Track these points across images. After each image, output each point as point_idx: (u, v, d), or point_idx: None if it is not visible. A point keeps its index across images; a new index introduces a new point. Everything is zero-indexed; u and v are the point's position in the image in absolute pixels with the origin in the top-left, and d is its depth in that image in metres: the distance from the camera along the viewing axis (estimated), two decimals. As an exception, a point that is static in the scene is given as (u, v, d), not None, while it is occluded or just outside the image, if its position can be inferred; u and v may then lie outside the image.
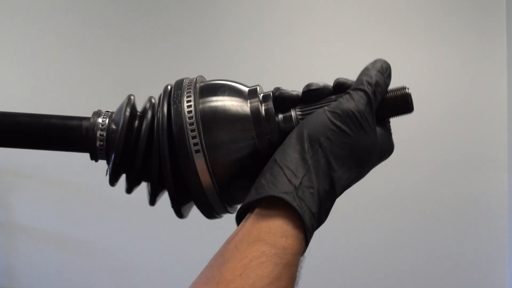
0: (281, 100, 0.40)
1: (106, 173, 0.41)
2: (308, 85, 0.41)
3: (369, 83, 0.39)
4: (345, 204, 2.17)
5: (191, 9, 2.06)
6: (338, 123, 0.36)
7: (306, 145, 0.35)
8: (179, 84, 0.40)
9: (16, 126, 0.41)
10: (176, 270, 1.99)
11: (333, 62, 2.01)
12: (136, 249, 2.03)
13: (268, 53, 2.02)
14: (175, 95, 0.39)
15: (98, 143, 0.40)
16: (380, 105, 0.40)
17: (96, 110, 0.43)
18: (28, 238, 2.08)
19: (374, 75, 0.40)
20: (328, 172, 0.35)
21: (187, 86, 0.39)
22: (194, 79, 0.40)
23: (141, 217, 1.95)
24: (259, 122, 0.38)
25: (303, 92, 0.41)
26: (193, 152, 0.37)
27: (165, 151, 0.37)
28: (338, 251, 1.92)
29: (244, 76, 2.01)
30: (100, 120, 0.41)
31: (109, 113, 0.42)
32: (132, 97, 0.43)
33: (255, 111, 0.38)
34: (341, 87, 0.40)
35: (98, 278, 2.05)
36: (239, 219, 0.36)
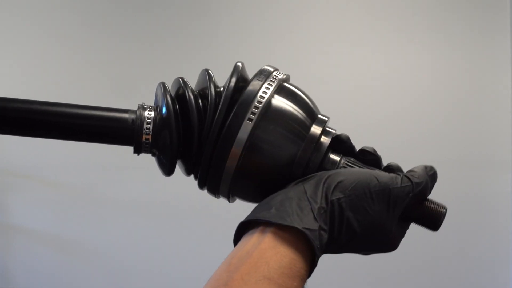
0: (338, 141, 0.43)
1: (161, 164, 0.43)
2: (368, 147, 0.44)
3: (420, 182, 0.40)
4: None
5: (190, 7, 2.06)
6: (374, 190, 0.37)
7: (339, 192, 0.36)
8: (265, 71, 0.41)
9: (59, 117, 0.41)
10: (174, 272, 1.99)
11: (334, 61, 2.01)
12: (134, 250, 2.03)
13: (268, 52, 2.02)
14: (256, 78, 0.40)
15: (144, 137, 0.41)
16: (413, 207, 0.41)
17: (140, 103, 0.43)
18: (25, 239, 2.08)
19: (427, 179, 0.41)
20: (346, 227, 0.36)
21: (272, 77, 0.41)
22: (283, 75, 0.42)
23: (139, 219, 1.95)
24: (309, 146, 0.40)
25: (360, 149, 0.44)
26: (237, 134, 0.38)
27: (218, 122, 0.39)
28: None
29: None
30: (146, 113, 0.41)
31: (154, 107, 0.43)
32: (181, 80, 0.44)
33: (312, 136, 0.40)
34: (390, 168, 0.43)
35: (96, 280, 2.05)
36: (243, 228, 0.37)
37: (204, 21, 2.04)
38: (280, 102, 0.40)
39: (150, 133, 0.41)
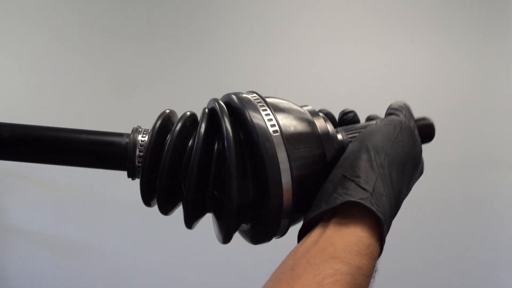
0: (328, 116, 0.46)
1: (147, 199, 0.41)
2: (344, 110, 0.48)
3: (402, 108, 0.44)
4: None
5: (190, 7, 2.06)
6: (397, 134, 0.40)
7: (373, 155, 0.38)
8: (241, 99, 0.39)
9: (51, 141, 0.40)
10: (173, 273, 2.00)
11: (335, 60, 2.02)
12: (132, 251, 2.03)
13: (268, 52, 2.02)
14: (242, 107, 0.38)
15: (137, 161, 0.40)
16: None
17: (135, 126, 0.41)
18: (23, 240, 2.08)
19: (402, 104, 0.45)
20: (395, 181, 0.38)
21: (257, 101, 0.39)
22: (257, 95, 0.41)
23: (138, 219, 1.95)
24: (328, 142, 0.41)
25: (342, 115, 0.47)
26: (280, 167, 0.36)
27: (232, 166, 0.36)
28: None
29: (244, 74, 2.02)
30: (140, 137, 0.40)
31: (148, 131, 0.41)
32: (167, 112, 0.43)
33: (324, 132, 0.41)
34: (370, 118, 0.48)
35: (94, 281, 2.05)
36: (304, 232, 0.37)
37: (204, 21, 2.04)
38: (284, 121, 0.39)
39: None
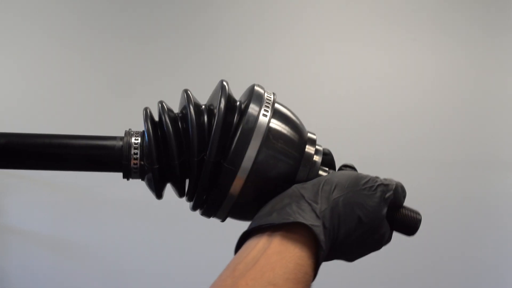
0: (325, 158, 0.47)
1: (153, 189, 0.44)
2: (349, 164, 0.48)
3: (397, 183, 0.44)
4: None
5: (190, 7, 2.06)
6: (367, 186, 0.40)
7: (333, 189, 0.39)
8: (257, 94, 0.43)
9: (45, 148, 0.43)
10: (172, 273, 2.00)
11: (335, 60, 2.01)
12: (131, 251, 2.03)
13: (268, 51, 2.02)
14: (250, 97, 0.42)
15: (132, 163, 0.42)
16: (391, 212, 0.44)
17: (126, 129, 0.44)
18: (21, 240, 2.08)
19: (400, 183, 0.45)
20: (342, 225, 0.38)
21: (266, 100, 0.43)
22: (273, 95, 0.44)
23: (136, 220, 1.95)
24: (306, 167, 0.43)
25: (342, 165, 0.48)
26: (242, 162, 0.40)
27: (215, 134, 0.40)
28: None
29: (244, 73, 2.02)
30: (133, 139, 0.43)
31: (140, 133, 0.44)
32: (162, 104, 0.45)
33: (307, 157, 0.44)
34: None
35: (93, 281, 2.05)
36: (247, 235, 0.38)
37: (204, 21, 2.04)
38: (277, 127, 0.42)
39: (138, 160, 0.42)
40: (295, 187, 0.40)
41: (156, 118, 0.45)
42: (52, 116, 2.02)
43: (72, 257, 2.07)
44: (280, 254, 0.34)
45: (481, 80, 2.01)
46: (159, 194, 0.44)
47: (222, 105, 0.42)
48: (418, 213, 0.46)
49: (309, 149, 0.44)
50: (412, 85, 2.00)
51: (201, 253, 1.92)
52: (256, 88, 0.44)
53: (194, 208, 0.44)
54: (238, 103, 0.44)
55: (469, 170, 1.98)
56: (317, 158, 0.44)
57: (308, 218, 0.36)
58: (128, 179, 0.44)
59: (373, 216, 0.40)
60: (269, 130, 0.41)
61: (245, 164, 0.40)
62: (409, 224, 0.45)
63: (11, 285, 2.07)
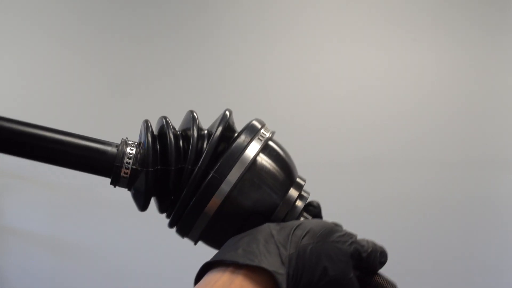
0: (311, 205, 0.47)
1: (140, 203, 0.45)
2: (312, 204, 0.48)
3: (374, 244, 0.42)
4: (350, 205, 2.18)
5: (189, 6, 2.06)
6: (339, 240, 0.40)
7: (305, 235, 0.39)
8: (253, 128, 0.44)
9: (40, 140, 0.43)
10: (171, 274, 1.99)
11: (335, 60, 2.01)
12: (130, 252, 2.03)
13: (268, 50, 2.02)
14: (244, 133, 0.43)
15: (123, 171, 0.43)
16: (364, 278, 0.43)
17: (124, 138, 0.45)
18: (19, 241, 2.08)
19: (375, 248, 0.42)
20: (312, 272, 0.38)
21: (260, 135, 0.44)
22: (270, 133, 0.45)
23: (135, 220, 1.95)
24: (285, 209, 0.43)
25: (307, 203, 0.47)
26: (220, 185, 0.40)
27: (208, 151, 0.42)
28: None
29: (243, 74, 2.02)
30: (128, 149, 0.44)
31: (137, 143, 0.45)
32: (165, 120, 0.46)
33: (289, 199, 0.44)
34: None
35: (92, 282, 2.05)
36: (209, 267, 0.38)
37: (203, 20, 2.04)
38: (264, 161, 0.43)
39: (130, 168, 0.43)
40: (268, 225, 0.40)
41: (156, 132, 0.46)
42: (51, 116, 2.02)
43: (71, 257, 2.07)
44: None
45: (481, 80, 2.01)
46: (145, 204, 0.45)
47: (219, 130, 0.43)
48: (393, 285, 0.44)
49: (293, 192, 0.44)
50: (412, 85, 2.00)
51: (201, 254, 1.92)
52: (254, 122, 0.45)
53: (171, 224, 0.45)
54: (235, 134, 0.45)
55: (470, 170, 1.98)
56: (299, 203, 0.45)
57: (272, 263, 0.36)
58: (115, 185, 0.45)
59: (340, 272, 0.38)
60: (255, 161, 0.42)
61: (224, 186, 0.40)
62: None
63: (10, 286, 2.07)
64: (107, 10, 2.07)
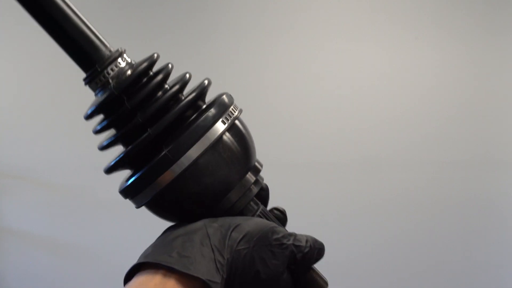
0: (261, 193, 0.46)
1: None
2: (280, 207, 0.47)
3: (306, 249, 0.41)
4: (350, 205, 2.18)
5: (189, 4, 2.06)
6: (275, 244, 0.39)
7: (241, 241, 0.38)
8: (223, 104, 0.43)
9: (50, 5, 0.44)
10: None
11: (336, 58, 2.01)
12: (129, 252, 2.02)
13: (268, 49, 2.02)
14: (214, 108, 0.42)
15: (99, 78, 0.43)
16: (298, 274, 0.43)
17: (121, 49, 0.46)
18: (18, 241, 2.08)
19: (314, 246, 0.42)
20: (245, 276, 0.38)
21: (229, 112, 0.42)
22: (237, 111, 0.44)
23: (134, 220, 1.95)
24: (239, 192, 0.42)
25: (273, 208, 0.47)
26: (180, 157, 0.39)
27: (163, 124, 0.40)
28: (342, 255, 1.92)
29: (243, 73, 2.02)
30: (118, 61, 0.44)
31: (130, 62, 0.45)
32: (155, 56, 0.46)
33: (245, 183, 0.43)
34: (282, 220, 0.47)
35: (90, 283, 2.05)
36: (139, 267, 0.37)
37: (203, 18, 2.04)
38: (228, 141, 0.42)
39: (103, 80, 0.43)
40: (205, 224, 0.39)
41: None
42: (50, 116, 2.02)
43: (69, 258, 2.07)
44: None
45: (484, 79, 2.01)
46: (90, 116, 0.45)
47: (193, 96, 0.41)
48: (325, 282, 0.44)
49: (251, 176, 0.43)
50: (414, 84, 2.00)
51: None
52: (224, 97, 0.44)
53: (108, 171, 0.45)
54: (203, 105, 0.44)
55: (471, 170, 1.98)
56: (254, 188, 0.44)
57: (207, 270, 0.35)
58: (86, 84, 0.45)
59: (273, 276, 0.39)
60: (220, 138, 0.41)
61: (184, 160, 0.39)
62: (313, 285, 0.44)
63: (8, 287, 2.07)
64: (106, 10, 2.07)
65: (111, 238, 2.04)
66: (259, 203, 0.45)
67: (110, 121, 0.43)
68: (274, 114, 1.97)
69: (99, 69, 0.43)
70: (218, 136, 0.40)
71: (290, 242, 0.40)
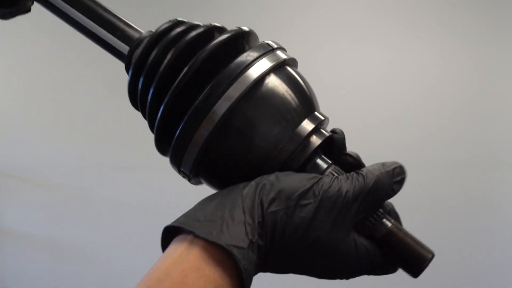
0: (331, 144, 0.38)
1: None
2: (350, 154, 0.39)
3: (369, 181, 0.34)
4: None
5: (187, 3, 2.06)
6: (316, 199, 0.33)
7: (274, 201, 0.33)
8: (267, 46, 0.37)
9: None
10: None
11: (336, 58, 2.01)
12: (128, 253, 2.03)
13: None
14: (254, 48, 0.36)
15: (130, 60, 0.41)
16: (392, 242, 0.37)
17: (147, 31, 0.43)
18: (16, 242, 2.08)
19: (379, 176, 0.35)
20: (279, 240, 0.33)
21: (274, 54, 0.36)
22: (288, 56, 0.38)
23: (133, 220, 1.95)
24: (294, 142, 0.35)
25: (344, 153, 0.39)
26: (213, 107, 0.34)
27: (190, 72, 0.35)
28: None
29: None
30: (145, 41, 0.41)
31: (148, 35, 0.41)
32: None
33: (301, 131, 0.36)
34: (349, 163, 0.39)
35: (90, 284, 2.05)
36: (170, 233, 0.35)
37: (203, 16, 2.04)
38: (274, 82, 0.35)
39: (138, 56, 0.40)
40: (244, 184, 0.34)
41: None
42: (50, 116, 2.02)
43: (68, 259, 2.07)
44: (198, 271, 0.30)
45: (485, 79, 2.01)
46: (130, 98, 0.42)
47: (224, 37, 0.36)
48: (429, 251, 0.36)
49: (308, 124, 0.36)
50: (415, 84, 2.00)
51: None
52: (268, 41, 0.38)
53: (157, 143, 0.39)
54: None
55: (473, 170, 1.98)
56: (315, 139, 0.36)
57: (233, 235, 0.31)
58: (123, 62, 0.43)
59: (324, 240, 0.33)
60: (260, 81, 0.34)
61: (220, 107, 0.33)
62: (413, 261, 0.36)
63: (6, 287, 2.07)
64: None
65: (110, 239, 2.04)
66: (329, 161, 0.37)
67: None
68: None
69: (130, 52, 0.41)
70: (258, 77, 0.34)
71: (340, 185, 0.34)
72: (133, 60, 0.40)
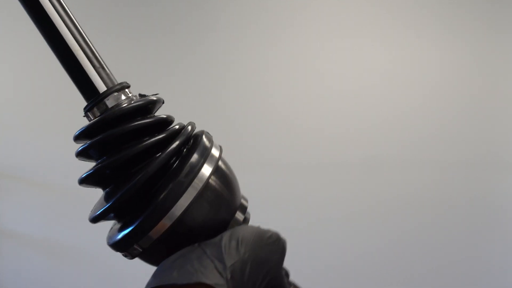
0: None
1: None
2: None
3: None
4: (351, 205, 2.18)
5: (187, 2, 2.06)
6: (270, 241, 0.39)
7: (239, 243, 0.38)
8: (204, 146, 0.42)
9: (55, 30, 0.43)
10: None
11: (337, 57, 2.02)
12: (128, 255, 2.03)
13: (267, 48, 2.02)
14: (197, 152, 0.41)
15: (102, 104, 0.43)
16: None
17: (126, 83, 0.45)
18: (14, 243, 2.08)
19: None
20: (254, 277, 0.38)
21: (211, 155, 0.42)
22: (219, 151, 0.43)
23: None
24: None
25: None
26: (172, 208, 0.38)
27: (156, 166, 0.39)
28: (344, 256, 1.92)
29: (243, 72, 2.02)
30: (123, 96, 0.44)
31: (131, 96, 0.45)
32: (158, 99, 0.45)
33: (236, 222, 0.42)
34: None
35: (88, 285, 2.05)
36: None
37: (202, 16, 2.04)
38: (215, 185, 0.41)
39: (105, 106, 0.43)
40: (198, 244, 0.39)
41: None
42: (48, 116, 2.02)
43: (67, 259, 2.07)
44: None
45: (486, 79, 2.01)
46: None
47: (177, 144, 0.41)
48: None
49: (239, 215, 0.44)
50: (416, 83, 2.00)
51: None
52: (204, 139, 0.43)
53: (94, 220, 0.44)
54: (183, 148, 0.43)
55: (475, 170, 1.98)
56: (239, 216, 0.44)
57: (211, 277, 0.35)
58: (85, 112, 0.45)
59: (277, 270, 0.40)
60: (207, 184, 0.40)
61: (175, 210, 0.39)
62: None
63: (4, 289, 2.07)
64: (105, 9, 2.07)
65: (109, 240, 2.04)
66: None
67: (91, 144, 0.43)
68: (275, 113, 1.97)
69: (99, 99, 0.43)
70: (205, 182, 0.40)
71: (279, 236, 0.41)
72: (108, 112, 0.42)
